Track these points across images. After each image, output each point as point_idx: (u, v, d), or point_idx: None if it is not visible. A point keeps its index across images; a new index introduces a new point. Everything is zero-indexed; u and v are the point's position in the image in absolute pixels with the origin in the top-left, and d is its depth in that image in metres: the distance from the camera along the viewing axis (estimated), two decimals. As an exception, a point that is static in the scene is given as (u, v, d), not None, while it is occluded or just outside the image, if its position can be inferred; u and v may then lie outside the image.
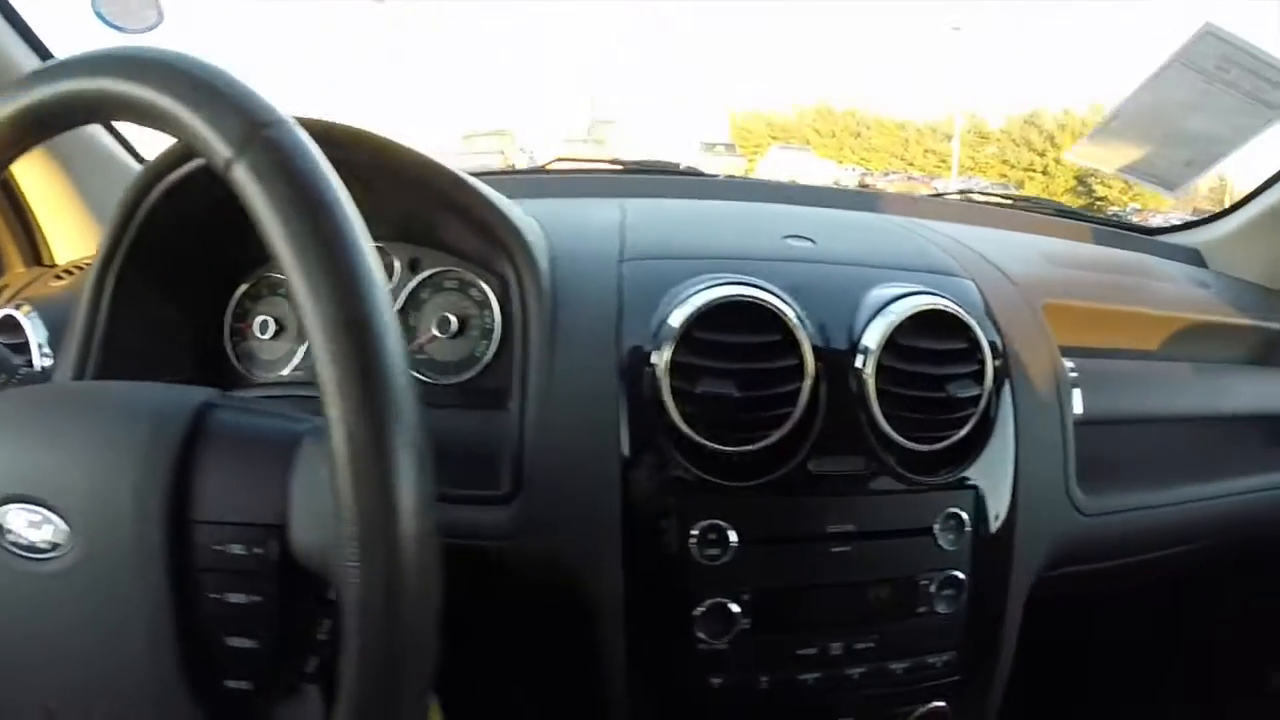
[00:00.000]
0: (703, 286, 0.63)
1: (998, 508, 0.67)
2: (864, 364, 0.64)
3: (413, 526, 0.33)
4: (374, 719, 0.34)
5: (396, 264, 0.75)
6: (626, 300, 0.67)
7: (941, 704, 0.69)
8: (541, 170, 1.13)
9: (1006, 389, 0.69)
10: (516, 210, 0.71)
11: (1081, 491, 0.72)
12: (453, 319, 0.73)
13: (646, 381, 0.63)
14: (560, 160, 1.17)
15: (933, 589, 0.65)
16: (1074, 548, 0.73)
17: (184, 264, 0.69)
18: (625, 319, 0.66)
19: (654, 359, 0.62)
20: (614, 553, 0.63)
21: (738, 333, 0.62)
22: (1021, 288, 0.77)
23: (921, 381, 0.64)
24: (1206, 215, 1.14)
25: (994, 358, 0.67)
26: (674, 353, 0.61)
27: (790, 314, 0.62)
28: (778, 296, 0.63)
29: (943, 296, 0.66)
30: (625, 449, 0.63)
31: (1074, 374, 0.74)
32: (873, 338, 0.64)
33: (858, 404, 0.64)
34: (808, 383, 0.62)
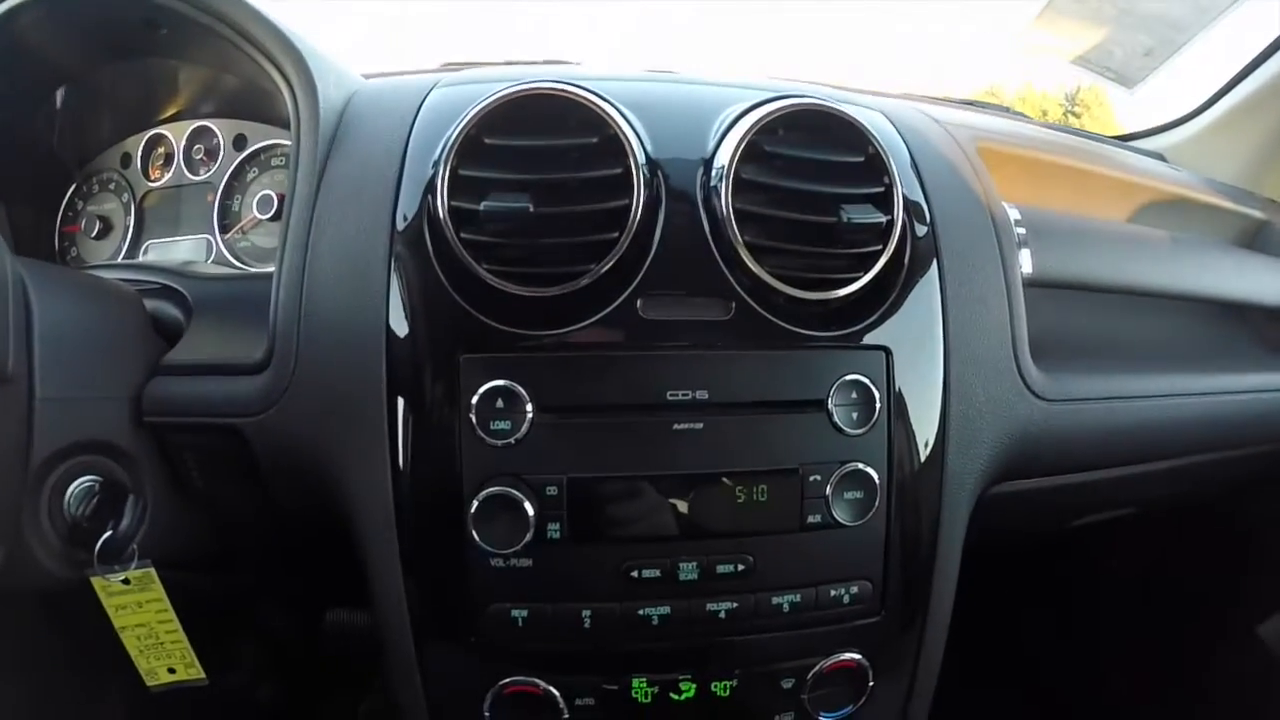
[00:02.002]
0: (502, 87, 0.43)
1: (921, 380, 0.46)
2: (718, 176, 0.43)
3: None
4: None
5: (221, 141, 0.65)
6: (420, 123, 0.47)
7: (854, 655, 0.46)
8: (437, 70, 0.97)
9: (929, 232, 0.48)
10: (306, 41, 0.53)
11: (1037, 370, 0.51)
12: (274, 197, 0.62)
13: (424, 209, 0.43)
14: (452, 64, 1.01)
15: (829, 489, 0.43)
16: (1033, 445, 0.50)
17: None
18: (413, 144, 0.46)
19: (436, 179, 0.42)
20: (376, 432, 0.42)
21: (540, 136, 0.42)
22: (947, 126, 0.57)
23: (801, 201, 0.44)
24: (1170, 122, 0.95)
25: (905, 185, 0.47)
26: (457, 163, 0.41)
27: (614, 113, 0.43)
28: (600, 97, 0.43)
29: (828, 100, 0.46)
30: (393, 296, 0.42)
31: (1020, 229, 0.54)
32: (730, 142, 0.44)
33: (711, 230, 0.43)
34: (638, 197, 0.41)
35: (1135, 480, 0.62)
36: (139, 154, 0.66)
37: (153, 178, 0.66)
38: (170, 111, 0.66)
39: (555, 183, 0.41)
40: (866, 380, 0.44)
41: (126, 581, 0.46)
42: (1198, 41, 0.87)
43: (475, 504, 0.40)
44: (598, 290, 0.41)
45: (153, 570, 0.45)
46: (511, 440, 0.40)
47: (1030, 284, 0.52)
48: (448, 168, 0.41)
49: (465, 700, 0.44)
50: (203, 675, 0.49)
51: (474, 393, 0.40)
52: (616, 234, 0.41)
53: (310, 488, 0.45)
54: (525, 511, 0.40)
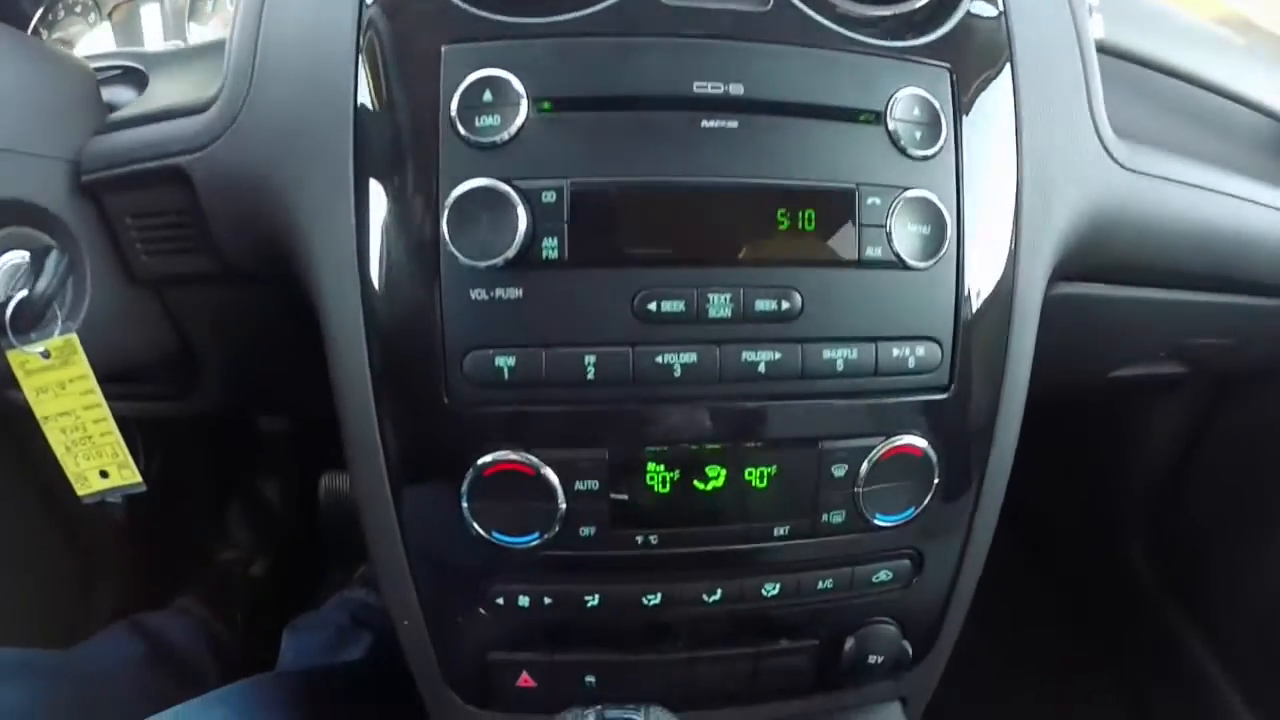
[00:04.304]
0: None
1: (989, 113, 0.36)
2: None
3: None
4: None
5: None
6: None
7: (918, 441, 0.36)
8: None
9: None
10: None
11: (1117, 137, 0.41)
12: None
13: None
14: None
15: (890, 218, 0.33)
16: (1111, 221, 0.41)
17: None
18: None
19: None
20: (338, 144, 0.33)
21: None
22: None
23: None
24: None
25: None
26: None
27: None
28: None
29: None
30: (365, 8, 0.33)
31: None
32: None
33: None
34: None
35: (1198, 313, 0.52)
36: (109, -30, 0.58)
37: (123, -7, 0.58)
38: (143, -80, 0.58)
39: None
40: (930, 97, 0.34)
41: (46, 355, 0.36)
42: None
43: (450, 201, 0.30)
44: None
45: (75, 339, 0.36)
46: (498, 139, 0.31)
47: (1100, 49, 0.43)
48: None
49: (437, 484, 0.34)
50: (139, 479, 0.39)
51: (457, 87, 0.31)
52: None
53: (264, 239, 0.36)
54: (514, 213, 0.30)
